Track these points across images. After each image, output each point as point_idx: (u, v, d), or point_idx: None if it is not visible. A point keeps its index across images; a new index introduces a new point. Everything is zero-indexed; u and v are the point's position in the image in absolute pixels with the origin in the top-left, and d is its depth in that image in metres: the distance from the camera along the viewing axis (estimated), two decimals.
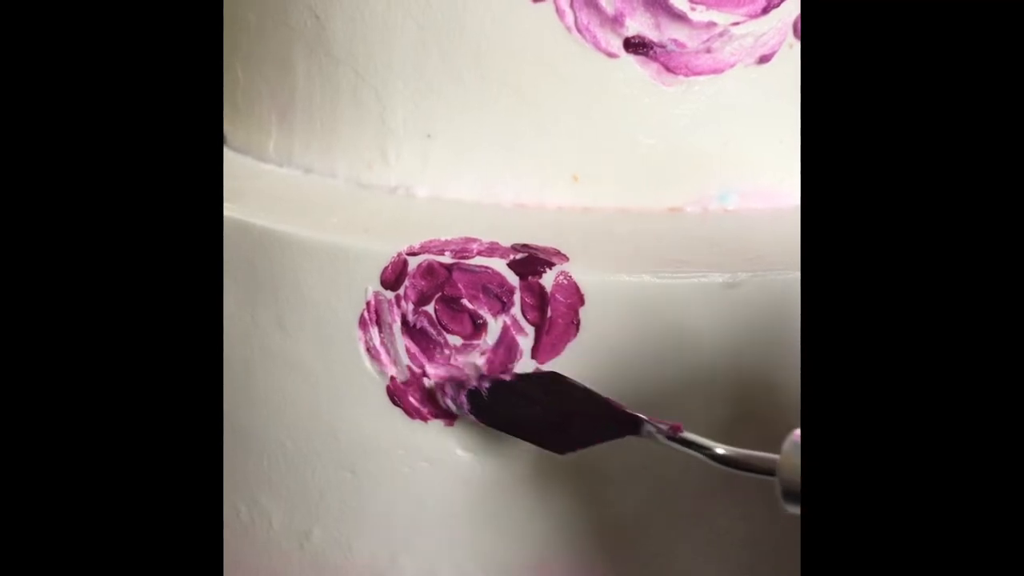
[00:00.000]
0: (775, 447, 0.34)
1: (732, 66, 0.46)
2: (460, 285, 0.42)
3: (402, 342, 0.43)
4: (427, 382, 0.44)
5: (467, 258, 0.42)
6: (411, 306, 0.43)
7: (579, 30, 0.45)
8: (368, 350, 0.44)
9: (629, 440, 0.39)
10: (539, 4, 0.45)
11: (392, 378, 0.44)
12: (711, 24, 0.45)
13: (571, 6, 0.45)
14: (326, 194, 0.49)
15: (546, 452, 0.41)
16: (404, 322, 0.43)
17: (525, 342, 0.42)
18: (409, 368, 0.44)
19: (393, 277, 0.43)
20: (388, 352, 0.44)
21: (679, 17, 0.45)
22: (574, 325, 0.42)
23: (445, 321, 0.43)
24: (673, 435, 0.38)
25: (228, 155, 0.54)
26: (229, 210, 0.46)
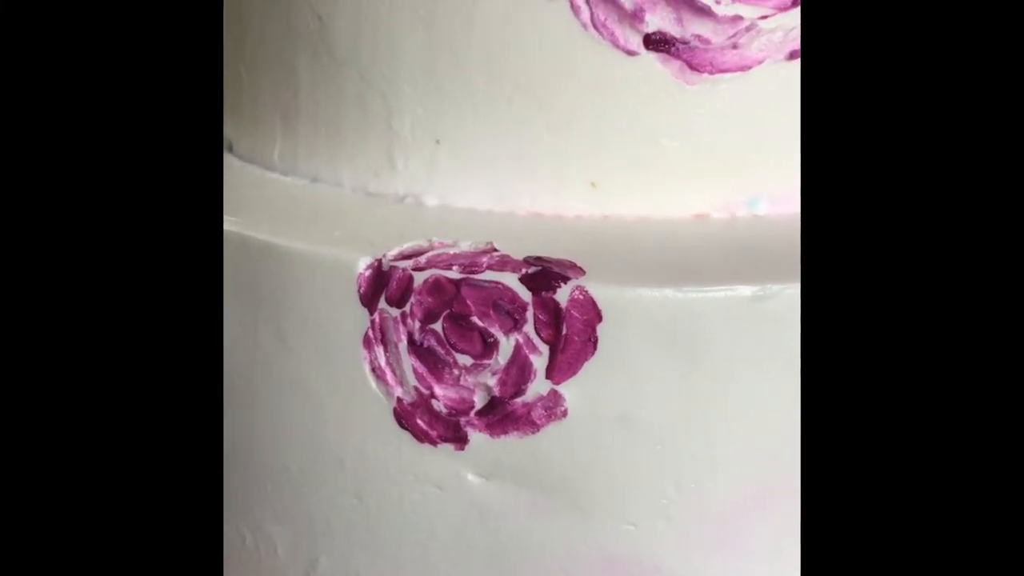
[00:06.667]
0: None
1: (760, 63, 0.45)
2: (469, 301, 0.42)
3: (409, 362, 0.43)
4: (435, 404, 0.43)
5: (476, 273, 0.42)
6: (418, 324, 0.42)
7: (596, 27, 0.44)
8: (373, 370, 0.43)
9: None
10: (553, 0, 0.44)
11: (399, 399, 0.43)
12: (737, 18, 0.44)
13: (587, 2, 0.44)
14: (332, 204, 0.48)
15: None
16: (411, 341, 0.43)
17: (539, 361, 0.41)
18: (416, 389, 0.43)
19: (398, 293, 0.42)
20: (394, 372, 0.43)
21: (703, 11, 0.44)
22: (591, 343, 0.41)
23: (454, 340, 0.42)
24: None
25: (233, 163, 0.54)
26: (230, 223, 0.45)
